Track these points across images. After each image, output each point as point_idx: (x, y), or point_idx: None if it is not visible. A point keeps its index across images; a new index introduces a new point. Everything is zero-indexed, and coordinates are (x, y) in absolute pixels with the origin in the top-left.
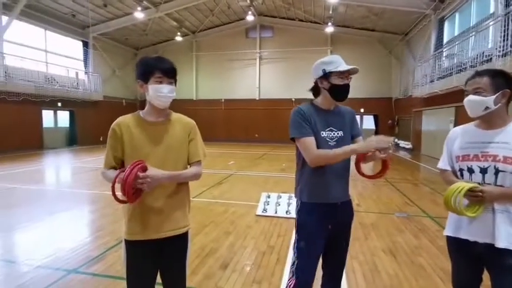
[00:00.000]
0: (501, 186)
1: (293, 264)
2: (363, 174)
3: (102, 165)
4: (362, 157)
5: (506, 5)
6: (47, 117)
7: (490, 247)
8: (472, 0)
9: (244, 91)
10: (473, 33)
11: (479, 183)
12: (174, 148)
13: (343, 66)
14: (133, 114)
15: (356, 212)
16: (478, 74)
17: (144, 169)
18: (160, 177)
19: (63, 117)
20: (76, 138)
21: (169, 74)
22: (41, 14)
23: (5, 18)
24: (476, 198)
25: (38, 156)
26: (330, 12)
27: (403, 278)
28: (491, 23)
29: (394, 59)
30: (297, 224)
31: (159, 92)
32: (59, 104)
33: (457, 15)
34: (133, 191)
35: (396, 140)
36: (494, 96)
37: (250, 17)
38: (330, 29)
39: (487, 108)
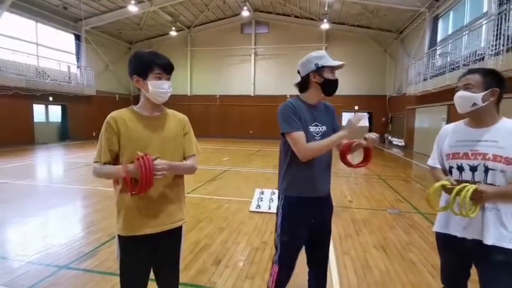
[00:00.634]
0: (492, 184)
1: (275, 254)
2: (348, 164)
3: (94, 161)
4: (348, 148)
5: (500, 5)
6: (38, 111)
7: (479, 244)
8: None
9: (239, 87)
10: (467, 32)
11: (469, 182)
12: (171, 141)
13: (334, 62)
14: (127, 108)
15: (348, 208)
16: (470, 71)
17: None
18: (172, 166)
19: (55, 112)
20: (68, 133)
21: (168, 70)
22: (32, 6)
23: None
24: (478, 198)
25: (29, 151)
26: (326, 8)
27: (394, 274)
28: (484, 22)
29: (389, 56)
30: (281, 217)
31: (160, 88)
32: (51, 99)
33: (451, 13)
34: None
35: (389, 137)
36: (482, 94)
37: (245, 13)
38: (325, 25)
39: (474, 104)
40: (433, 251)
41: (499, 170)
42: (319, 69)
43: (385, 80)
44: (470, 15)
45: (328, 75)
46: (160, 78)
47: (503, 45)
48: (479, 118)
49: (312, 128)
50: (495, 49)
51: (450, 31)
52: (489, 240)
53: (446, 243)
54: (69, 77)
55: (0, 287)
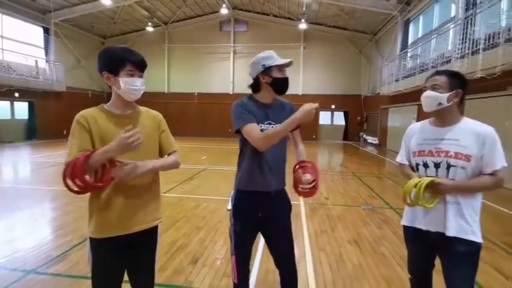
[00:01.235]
0: (452, 179)
1: (231, 245)
2: (298, 193)
3: (65, 161)
4: (298, 180)
5: (466, 10)
6: (3, 108)
7: (442, 236)
8: (435, 3)
9: (218, 85)
10: (435, 35)
11: (433, 177)
12: (145, 139)
13: (281, 60)
14: (97, 107)
15: (324, 204)
16: (438, 72)
17: (88, 158)
18: (150, 167)
19: (22, 109)
20: (35, 132)
21: (141, 67)
22: None
23: None
24: (435, 190)
25: None
26: (304, 9)
27: (366, 267)
28: (451, 26)
29: (364, 57)
30: (232, 210)
31: (132, 86)
32: (16, 95)
33: (421, 17)
34: (83, 176)
35: (364, 136)
36: (448, 94)
37: (224, 10)
38: (303, 25)
39: (440, 104)
40: (402, 244)
41: (460, 167)
42: (267, 70)
43: (360, 80)
44: (439, 19)
45: (276, 74)
46: (132, 75)
47: (468, 49)
48: (443, 117)
49: (263, 126)
50: (461, 52)
51: (420, 34)
52: (451, 232)
53: (413, 236)
54: (37, 72)
55: None
